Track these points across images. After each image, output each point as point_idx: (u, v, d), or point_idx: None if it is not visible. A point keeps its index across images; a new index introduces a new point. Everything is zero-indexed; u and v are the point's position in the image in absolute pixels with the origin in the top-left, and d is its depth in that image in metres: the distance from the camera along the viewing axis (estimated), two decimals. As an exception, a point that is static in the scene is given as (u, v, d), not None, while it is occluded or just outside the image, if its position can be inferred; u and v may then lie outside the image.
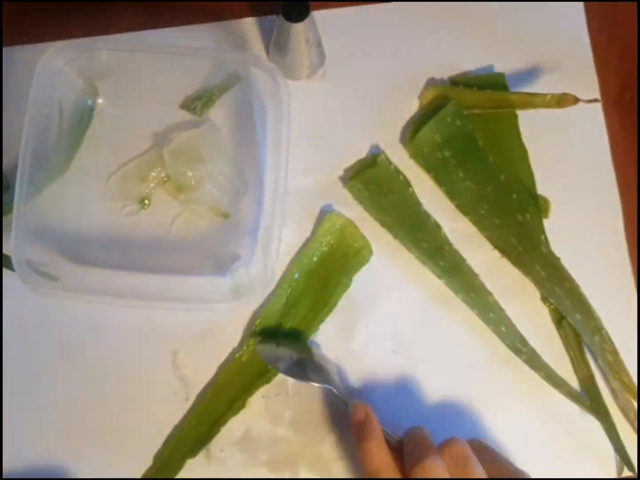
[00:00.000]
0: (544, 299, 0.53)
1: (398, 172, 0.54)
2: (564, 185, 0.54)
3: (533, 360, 0.52)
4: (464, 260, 0.53)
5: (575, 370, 0.52)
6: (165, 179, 0.53)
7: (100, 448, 0.51)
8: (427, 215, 0.53)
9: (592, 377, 0.52)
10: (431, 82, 0.56)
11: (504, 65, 0.56)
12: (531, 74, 0.56)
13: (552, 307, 0.53)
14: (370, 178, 0.53)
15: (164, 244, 0.53)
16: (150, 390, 0.52)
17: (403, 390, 0.52)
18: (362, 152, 0.55)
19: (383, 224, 0.53)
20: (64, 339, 0.52)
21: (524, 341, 0.52)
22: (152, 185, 0.53)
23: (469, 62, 0.56)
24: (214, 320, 0.52)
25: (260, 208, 0.53)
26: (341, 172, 0.55)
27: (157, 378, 0.52)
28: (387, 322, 0.53)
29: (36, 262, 0.49)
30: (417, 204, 0.54)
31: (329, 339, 0.52)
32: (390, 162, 0.54)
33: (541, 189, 0.54)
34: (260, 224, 0.52)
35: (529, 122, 0.55)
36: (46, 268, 0.49)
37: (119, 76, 0.53)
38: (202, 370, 0.52)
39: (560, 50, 0.56)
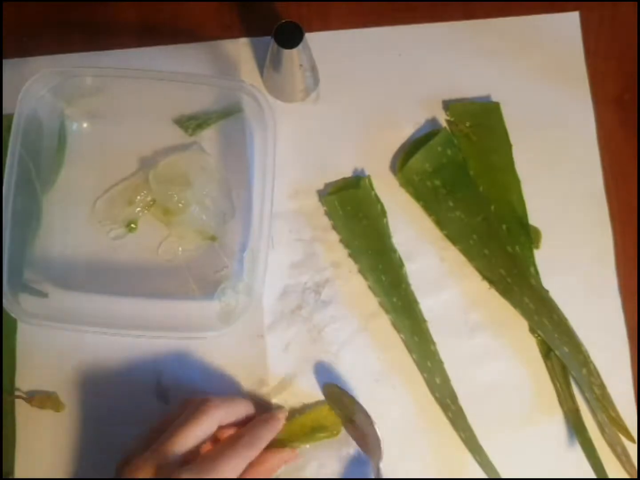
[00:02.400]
0: (532, 330, 0.53)
1: (377, 200, 0.54)
2: (556, 215, 0.54)
3: (458, 420, 0.51)
4: (417, 302, 0.53)
5: (561, 403, 0.52)
6: (152, 202, 0.53)
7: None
8: (394, 250, 0.53)
9: (577, 411, 0.51)
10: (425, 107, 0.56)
11: (499, 83, 0.56)
12: (527, 96, 0.56)
13: (540, 338, 0.52)
14: (349, 198, 0.53)
15: (151, 267, 0.53)
16: (133, 411, 0.51)
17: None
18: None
19: (348, 246, 0.53)
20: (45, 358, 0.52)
21: (454, 398, 0.51)
22: (138, 208, 0.53)
23: (465, 87, 0.56)
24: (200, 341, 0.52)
25: (248, 231, 0.52)
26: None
27: (141, 399, 0.52)
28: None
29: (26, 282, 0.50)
30: (388, 236, 0.53)
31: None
32: (372, 189, 0.54)
33: (532, 219, 0.54)
34: (247, 247, 0.52)
35: (523, 151, 0.54)
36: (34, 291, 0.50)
37: (104, 97, 0.53)
38: (186, 392, 0.51)
39: (558, 74, 0.56)
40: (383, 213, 0.54)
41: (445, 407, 0.51)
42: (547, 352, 0.52)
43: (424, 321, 0.52)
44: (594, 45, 0.57)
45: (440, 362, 0.52)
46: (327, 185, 0.55)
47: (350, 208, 0.53)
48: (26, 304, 0.49)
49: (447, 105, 0.55)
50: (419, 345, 0.52)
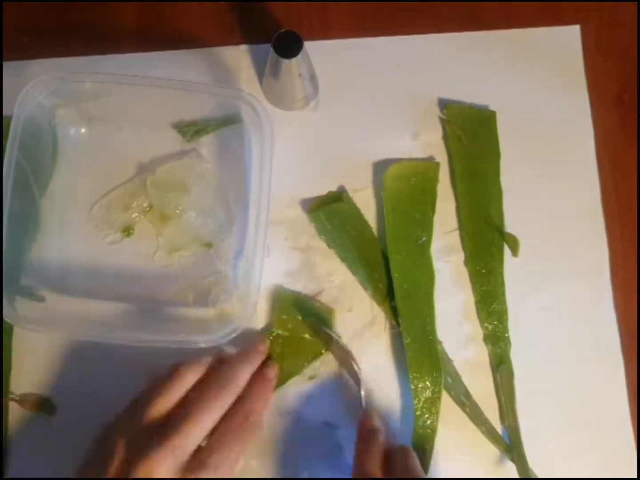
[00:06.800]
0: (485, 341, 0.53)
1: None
2: (552, 223, 0.54)
3: (475, 414, 0.51)
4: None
5: (502, 418, 0.52)
6: (148, 208, 0.53)
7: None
8: (386, 258, 0.53)
9: (517, 429, 0.51)
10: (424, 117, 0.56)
11: (498, 94, 0.56)
12: (526, 104, 0.56)
13: (493, 350, 0.52)
14: (334, 212, 0.53)
15: (147, 273, 0.53)
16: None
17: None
18: (349, 187, 0.55)
19: (343, 259, 0.53)
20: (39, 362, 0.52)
21: (468, 395, 0.52)
22: (135, 214, 0.53)
23: (464, 98, 0.56)
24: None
25: (244, 238, 0.52)
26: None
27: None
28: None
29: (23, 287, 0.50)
30: (378, 244, 0.53)
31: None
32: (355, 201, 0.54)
33: (528, 227, 0.54)
34: (243, 254, 0.52)
35: (519, 157, 0.55)
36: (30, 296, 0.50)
37: (103, 102, 0.53)
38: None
39: (557, 84, 0.56)
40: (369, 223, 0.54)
41: (461, 405, 0.51)
42: (498, 364, 0.52)
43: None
44: (593, 46, 0.57)
45: (449, 360, 0.52)
46: (313, 199, 0.54)
47: (337, 221, 0.53)
48: (22, 309, 0.49)
49: (446, 112, 0.55)
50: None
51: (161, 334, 0.50)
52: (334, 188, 0.55)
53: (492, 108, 0.56)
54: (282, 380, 0.51)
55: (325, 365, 0.52)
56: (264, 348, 0.50)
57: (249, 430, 0.45)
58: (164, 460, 0.41)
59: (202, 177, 0.53)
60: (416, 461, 0.46)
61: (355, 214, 0.54)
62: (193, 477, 0.41)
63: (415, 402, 0.50)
